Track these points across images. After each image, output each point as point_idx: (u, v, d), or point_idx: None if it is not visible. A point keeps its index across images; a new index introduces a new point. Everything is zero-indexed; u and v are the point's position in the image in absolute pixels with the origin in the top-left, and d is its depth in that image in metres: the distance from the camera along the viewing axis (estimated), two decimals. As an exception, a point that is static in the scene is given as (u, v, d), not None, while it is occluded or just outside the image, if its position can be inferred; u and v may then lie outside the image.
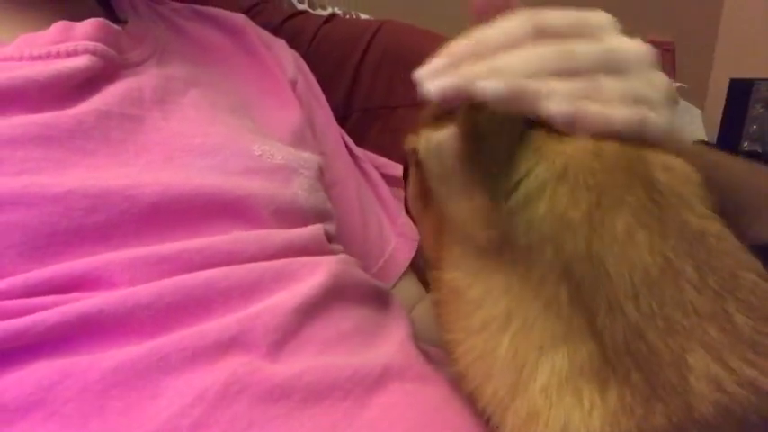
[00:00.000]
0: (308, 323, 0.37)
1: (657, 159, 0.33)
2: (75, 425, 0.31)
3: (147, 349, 0.33)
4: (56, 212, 0.35)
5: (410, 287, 0.57)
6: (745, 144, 1.61)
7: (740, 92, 1.64)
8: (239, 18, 0.59)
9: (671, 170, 0.32)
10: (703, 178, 0.33)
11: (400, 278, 0.57)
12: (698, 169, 0.33)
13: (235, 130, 0.46)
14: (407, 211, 0.61)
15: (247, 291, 0.37)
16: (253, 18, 0.61)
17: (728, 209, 0.33)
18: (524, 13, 0.33)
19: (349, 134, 0.64)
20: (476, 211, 0.32)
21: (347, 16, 0.79)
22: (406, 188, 0.46)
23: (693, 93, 1.81)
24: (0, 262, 0.34)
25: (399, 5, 0.96)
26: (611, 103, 0.32)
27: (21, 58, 0.41)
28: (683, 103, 1.78)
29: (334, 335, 0.38)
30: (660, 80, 0.34)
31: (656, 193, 0.31)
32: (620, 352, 0.29)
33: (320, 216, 0.46)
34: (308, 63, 0.62)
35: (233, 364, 0.33)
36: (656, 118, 0.32)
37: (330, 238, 0.46)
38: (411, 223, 0.59)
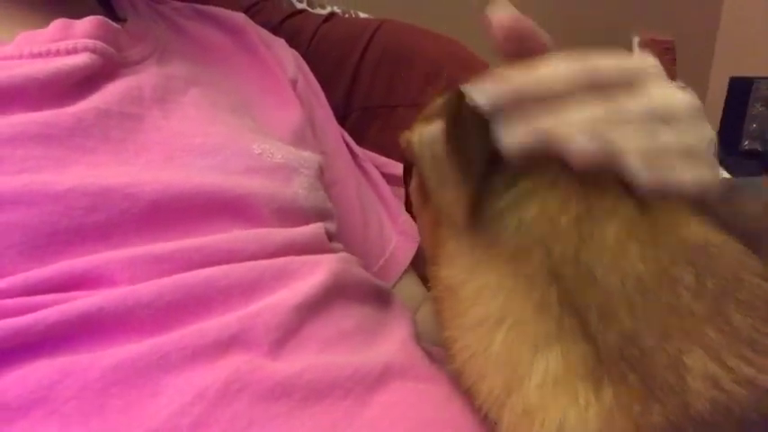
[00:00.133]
0: (309, 321, 0.37)
1: None
2: (75, 423, 0.31)
3: (148, 348, 0.33)
4: (56, 211, 0.35)
5: (411, 286, 0.57)
6: (745, 142, 1.61)
7: (740, 90, 1.64)
8: (239, 17, 0.59)
9: None
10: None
11: (401, 277, 0.57)
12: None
13: (235, 129, 0.46)
14: (408, 210, 0.61)
15: (248, 289, 0.37)
16: (252, 17, 0.61)
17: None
18: (574, 58, 0.33)
19: (349, 133, 0.64)
20: (461, 198, 0.32)
21: (346, 15, 0.79)
22: (406, 187, 0.46)
23: (693, 91, 1.81)
24: (0, 261, 0.34)
25: (399, 4, 0.96)
26: (674, 161, 0.32)
27: (20, 56, 0.41)
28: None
29: (335, 333, 0.38)
30: (708, 132, 0.34)
31: (647, 206, 0.32)
32: (614, 356, 0.29)
33: (321, 215, 0.46)
34: (308, 62, 0.62)
35: (234, 363, 0.33)
36: (710, 174, 0.32)
37: (331, 236, 0.46)
38: (412, 222, 0.59)
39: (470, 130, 0.32)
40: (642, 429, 0.29)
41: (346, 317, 0.40)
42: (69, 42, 0.42)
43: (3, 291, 0.33)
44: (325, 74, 0.65)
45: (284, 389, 0.33)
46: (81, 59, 0.41)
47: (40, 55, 0.41)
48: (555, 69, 0.32)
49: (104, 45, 0.43)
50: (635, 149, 0.31)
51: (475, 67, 0.72)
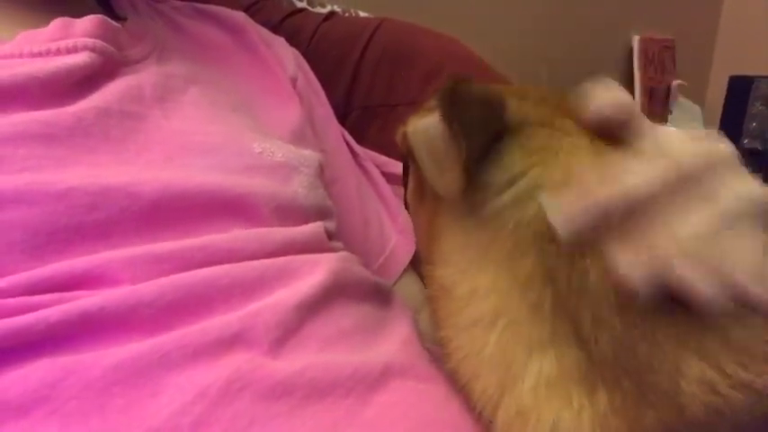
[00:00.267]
0: (309, 321, 0.37)
1: None
2: (75, 423, 0.31)
3: (149, 347, 0.33)
4: (57, 210, 0.35)
5: (411, 284, 0.57)
6: (745, 141, 1.61)
7: (740, 89, 1.63)
8: (239, 16, 0.59)
9: None
10: None
11: (401, 275, 0.57)
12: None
13: (235, 128, 0.46)
14: (408, 209, 0.61)
15: (248, 288, 0.37)
16: (252, 16, 0.61)
17: None
18: (653, 152, 0.31)
19: (349, 132, 0.64)
20: (461, 164, 0.32)
21: (346, 14, 0.79)
22: (405, 186, 0.46)
23: (693, 90, 1.81)
24: (1, 260, 0.34)
25: (399, 3, 0.96)
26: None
27: (21, 55, 0.41)
28: (683, 100, 1.78)
29: (335, 332, 0.38)
30: None
31: None
32: (608, 362, 0.29)
33: (321, 213, 0.46)
34: (308, 61, 0.62)
35: (235, 362, 0.33)
36: None
37: (331, 235, 0.46)
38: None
39: (468, 104, 0.32)
40: None
41: (346, 316, 0.40)
42: (69, 41, 0.42)
43: (4, 290, 0.33)
44: (326, 73, 0.65)
45: (285, 388, 0.33)
46: (81, 58, 0.41)
47: (40, 54, 0.41)
48: (642, 176, 0.30)
49: (104, 44, 0.43)
50: (748, 267, 0.29)
51: (475, 66, 0.72)
